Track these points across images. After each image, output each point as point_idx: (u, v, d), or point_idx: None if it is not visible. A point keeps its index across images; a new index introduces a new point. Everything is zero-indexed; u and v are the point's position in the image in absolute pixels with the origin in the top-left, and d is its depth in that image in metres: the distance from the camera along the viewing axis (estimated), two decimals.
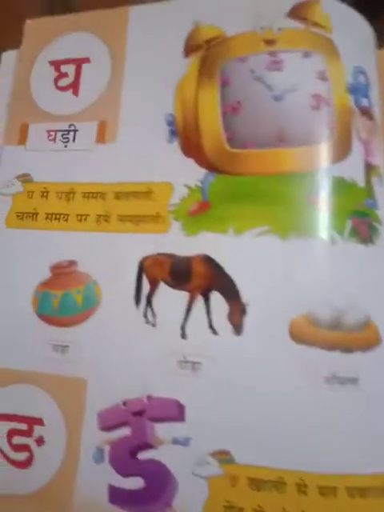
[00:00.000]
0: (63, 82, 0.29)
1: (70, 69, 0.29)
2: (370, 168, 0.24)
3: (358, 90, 0.25)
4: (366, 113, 0.25)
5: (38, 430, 0.25)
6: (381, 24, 0.26)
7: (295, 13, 0.25)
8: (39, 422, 0.25)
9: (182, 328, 0.24)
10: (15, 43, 0.31)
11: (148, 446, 0.23)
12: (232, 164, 0.24)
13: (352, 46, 0.25)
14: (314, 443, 0.21)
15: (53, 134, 0.28)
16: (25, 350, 0.26)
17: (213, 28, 0.26)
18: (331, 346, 0.22)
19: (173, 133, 0.26)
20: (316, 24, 0.25)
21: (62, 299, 0.26)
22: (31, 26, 0.30)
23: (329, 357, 0.21)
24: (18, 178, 0.28)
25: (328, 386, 0.21)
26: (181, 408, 0.23)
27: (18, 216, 0.28)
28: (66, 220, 0.27)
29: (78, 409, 0.25)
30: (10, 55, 0.31)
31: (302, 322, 0.22)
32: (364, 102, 0.25)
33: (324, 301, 0.22)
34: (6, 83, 0.30)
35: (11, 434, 0.26)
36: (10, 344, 0.27)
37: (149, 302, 0.25)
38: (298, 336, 0.22)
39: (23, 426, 0.25)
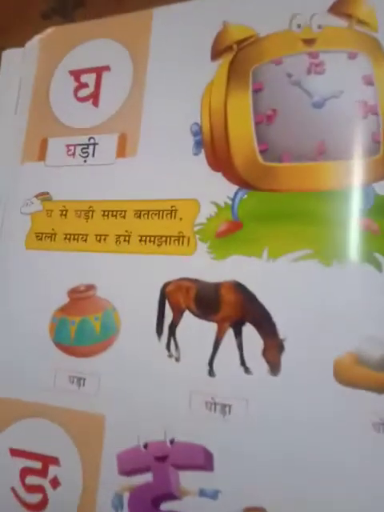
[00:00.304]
0: (83, 93, 0.27)
1: (90, 78, 0.27)
2: None
3: None
4: None
5: (52, 470, 0.23)
6: None
7: (337, 8, 0.22)
8: (55, 461, 0.23)
9: (210, 364, 0.21)
10: (19, 42, 0.30)
11: (171, 496, 0.21)
12: (266, 179, 0.21)
13: None
14: (362, 499, 0.18)
15: (72, 148, 0.27)
16: (40, 380, 0.24)
17: (243, 28, 0.23)
18: (381, 389, 0.19)
19: (199, 144, 0.23)
20: (361, 21, 0.22)
21: (80, 326, 0.25)
22: (50, 34, 0.29)
23: (378, 401, 0.18)
24: (37, 196, 0.27)
25: (377, 433, 0.18)
26: (208, 456, 0.20)
27: (37, 236, 0.26)
28: (85, 240, 0.25)
29: (95, 448, 0.23)
30: (12, 53, 0.30)
31: (348, 360, 0.19)
32: None
33: (373, 337, 0.19)
34: (7, 82, 0.29)
35: (25, 472, 0.24)
36: (25, 373, 0.25)
37: (172, 333, 0.22)
38: (343, 377, 0.19)
39: (37, 465, 0.24)
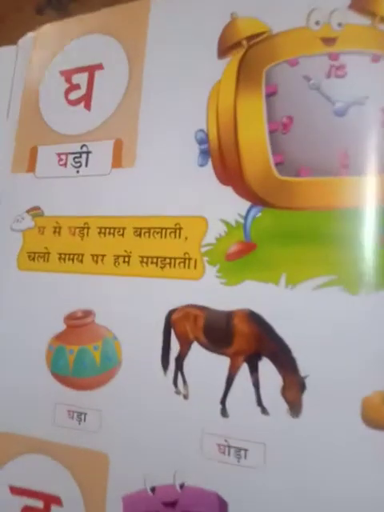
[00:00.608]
0: (74, 95, 0.24)
1: (81, 79, 0.24)
2: None
3: None
4: None
5: (55, 510, 0.22)
6: None
7: (360, 4, 0.19)
8: (57, 500, 0.22)
9: (223, 403, 0.19)
10: (13, 37, 0.27)
11: None
12: (282, 195, 0.19)
13: None
14: None
15: (64, 157, 0.24)
16: (38, 414, 0.23)
17: (255, 22, 0.20)
18: None
19: (205, 154, 0.21)
20: None
21: (78, 356, 0.22)
22: (41, 33, 0.26)
23: None
24: (28, 211, 0.24)
25: None
26: (223, 504, 0.19)
27: (29, 256, 0.24)
28: (81, 261, 0.23)
29: (99, 489, 0.21)
30: (5, 51, 0.27)
31: (378, 400, 0.17)
32: None
33: None
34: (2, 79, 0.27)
35: (26, 511, 0.22)
36: (22, 406, 0.23)
37: (179, 367, 0.20)
38: (372, 418, 0.17)
39: (39, 504, 0.22)
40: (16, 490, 0.23)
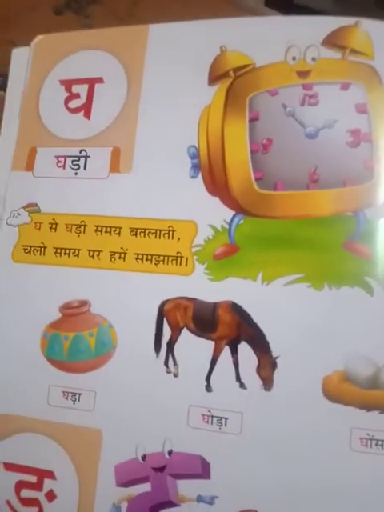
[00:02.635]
0: (74, 104, 0.26)
1: (82, 89, 0.26)
2: None
3: None
4: None
5: (48, 484, 0.24)
6: None
7: (331, 41, 0.23)
8: (50, 474, 0.24)
9: (207, 380, 0.22)
10: (30, 36, 0.28)
11: (170, 504, 0.22)
12: (261, 206, 0.23)
13: None
14: (345, 509, 0.20)
15: (62, 159, 0.26)
16: (33, 396, 0.25)
17: (241, 55, 0.24)
18: (368, 406, 0.21)
19: (196, 167, 0.24)
20: (355, 51, 0.23)
21: (73, 342, 0.25)
22: (42, 41, 0.28)
23: (366, 417, 0.20)
24: (24, 207, 0.26)
25: (364, 447, 0.20)
26: (206, 465, 0.22)
27: (25, 250, 0.26)
28: (77, 256, 0.25)
29: (92, 462, 0.23)
30: (21, 52, 0.28)
31: (337, 378, 0.21)
32: None
33: (361, 357, 0.21)
34: (15, 81, 0.28)
35: (20, 486, 0.24)
36: (17, 389, 0.25)
37: (170, 350, 0.23)
38: (332, 394, 0.21)
39: (33, 479, 0.24)
40: (10, 467, 0.24)
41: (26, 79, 0.28)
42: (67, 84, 0.27)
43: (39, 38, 0.28)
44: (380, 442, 0.20)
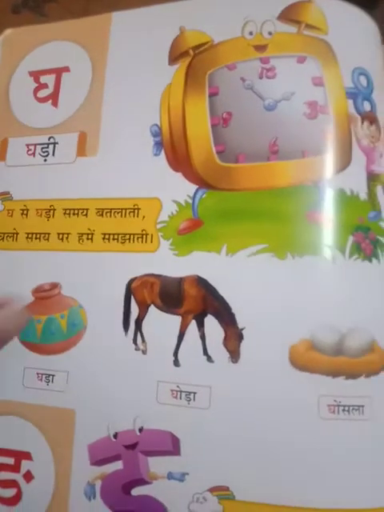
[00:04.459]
0: (43, 93, 0.27)
1: (49, 79, 0.27)
2: (373, 177, 0.23)
3: (358, 95, 0.23)
4: (368, 117, 0.23)
5: (25, 465, 0.24)
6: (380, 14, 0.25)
7: (287, 15, 0.24)
8: (27, 455, 0.24)
9: (175, 355, 0.22)
10: None
11: (142, 481, 0.22)
12: (223, 179, 0.23)
13: (352, 46, 0.24)
14: (318, 477, 0.20)
15: (32, 148, 0.27)
16: (8, 379, 0.25)
17: (199, 34, 0.24)
18: (334, 372, 0.20)
19: (159, 145, 0.24)
20: (310, 26, 0.23)
21: (46, 325, 0.25)
22: (10, 35, 0.29)
23: (332, 383, 0.20)
24: None
25: (332, 414, 0.20)
26: (175, 441, 0.22)
27: None
28: (47, 239, 0.25)
29: (66, 441, 0.23)
30: None
31: (303, 347, 0.21)
32: (366, 105, 0.23)
33: (325, 324, 0.21)
34: None
35: None
36: None
37: (138, 327, 0.23)
38: (298, 362, 0.21)
39: (10, 461, 0.24)
40: None
41: None
42: (35, 75, 0.27)
43: (8, 31, 0.29)
44: (347, 408, 0.20)
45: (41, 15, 0.28)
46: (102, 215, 0.25)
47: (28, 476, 0.24)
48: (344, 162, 0.22)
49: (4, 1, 0.32)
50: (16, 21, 0.29)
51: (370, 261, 0.22)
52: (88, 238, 0.25)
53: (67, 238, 0.25)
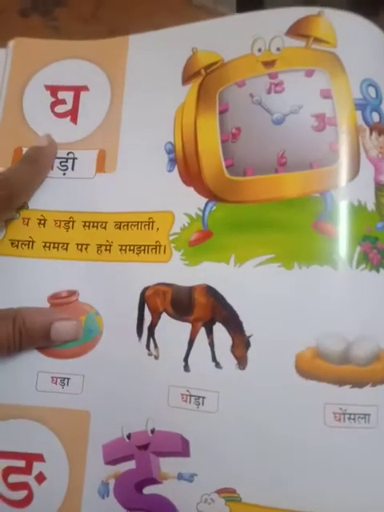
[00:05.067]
0: (61, 109, 0.28)
1: (67, 96, 0.28)
2: (381, 187, 0.23)
3: (367, 106, 0.24)
4: (377, 128, 0.24)
5: (37, 467, 0.24)
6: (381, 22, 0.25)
7: (295, 30, 0.24)
8: (39, 457, 0.24)
9: (185, 360, 0.23)
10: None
11: (153, 481, 0.23)
12: (232, 192, 0.24)
13: (360, 58, 0.24)
14: (323, 483, 0.20)
15: None
16: (21, 383, 0.25)
17: (210, 54, 0.25)
18: (340, 381, 0.21)
19: (172, 161, 0.25)
20: (318, 39, 0.24)
21: None
22: (21, 44, 0.30)
23: (338, 391, 0.21)
24: None
25: (337, 422, 0.21)
26: (185, 443, 0.22)
27: (12, 244, 0.27)
28: (66, 249, 0.26)
29: (81, 442, 0.24)
30: None
31: (309, 355, 0.21)
32: (374, 116, 0.24)
33: (332, 332, 0.21)
34: None
35: (7, 471, 0.24)
36: (5, 378, 0.25)
37: (151, 334, 0.24)
38: (304, 370, 0.21)
39: (21, 463, 0.24)
40: None
41: (3, 79, 0.29)
42: (53, 90, 0.29)
43: (18, 39, 0.30)
44: (352, 416, 0.20)
45: (51, 19, 0.28)
46: (119, 228, 0.26)
47: (40, 477, 0.24)
48: (352, 172, 0.23)
49: (12, 3, 0.32)
50: (25, 24, 0.29)
51: (378, 271, 0.22)
52: (106, 249, 0.26)
53: (86, 248, 0.26)
